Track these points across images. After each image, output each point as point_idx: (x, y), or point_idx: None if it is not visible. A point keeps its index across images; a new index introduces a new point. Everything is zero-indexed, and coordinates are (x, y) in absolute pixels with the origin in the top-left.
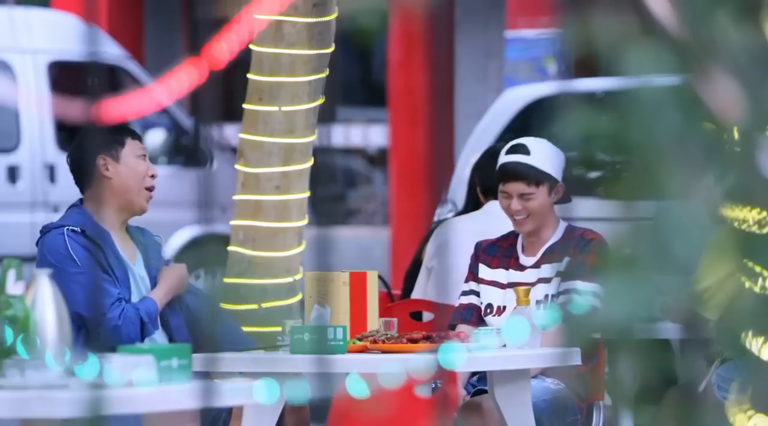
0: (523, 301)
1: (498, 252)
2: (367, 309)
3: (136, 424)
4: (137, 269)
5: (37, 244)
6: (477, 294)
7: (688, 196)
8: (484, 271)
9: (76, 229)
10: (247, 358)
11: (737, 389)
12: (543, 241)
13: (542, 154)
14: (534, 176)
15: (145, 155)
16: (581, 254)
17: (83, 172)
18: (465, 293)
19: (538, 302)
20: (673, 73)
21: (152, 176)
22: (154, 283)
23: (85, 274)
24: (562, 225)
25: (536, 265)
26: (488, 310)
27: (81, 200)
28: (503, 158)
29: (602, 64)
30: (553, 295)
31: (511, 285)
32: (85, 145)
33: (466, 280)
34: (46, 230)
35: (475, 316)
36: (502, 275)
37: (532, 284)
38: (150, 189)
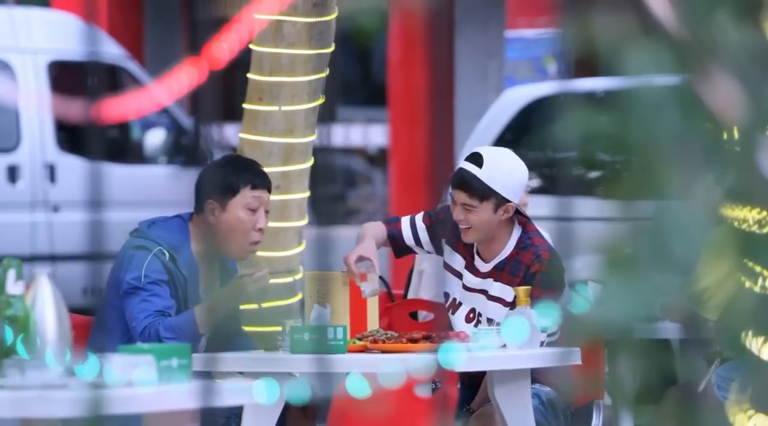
0: (524, 301)
1: (461, 238)
2: (367, 309)
3: (136, 424)
4: None
5: (131, 234)
6: (419, 242)
7: (688, 196)
8: (447, 250)
9: (166, 255)
10: (247, 358)
11: (737, 389)
12: (496, 250)
13: (495, 169)
14: (478, 189)
15: (257, 208)
16: (526, 285)
17: (198, 200)
18: (413, 226)
19: (490, 321)
20: (673, 73)
21: (259, 230)
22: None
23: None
24: (515, 235)
25: (488, 276)
26: (446, 298)
27: (191, 215)
28: (461, 163)
29: (602, 64)
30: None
31: (466, 288)
32: (205, 178)
33: (424, 219)
34: (144, 236)
35: (399, 244)
36: (459, 265)
37: (486, 294)
38: (255, 243)
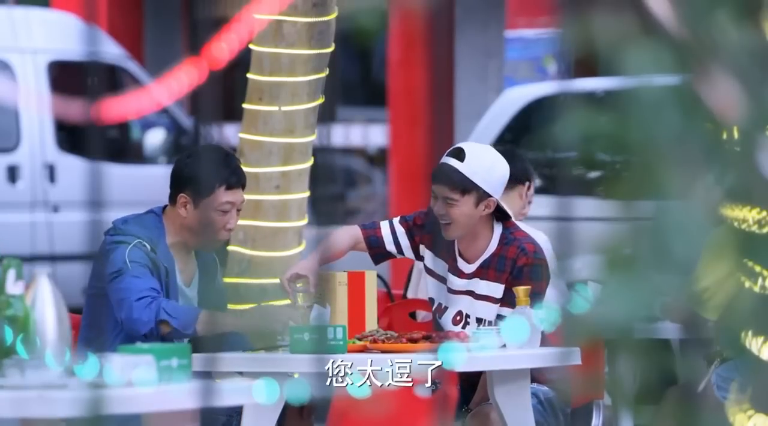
0: (523, 301)
1: (442, 241)
2: (366, 309)
3: (136, 424)
4: (190, 291)
5: (107, 233)
6: (399, 248)
7: (688, 196)
8: (428, 256)
9: (147, 247)
10: (247, 358)
11: (737, 389)
12: (479, 249)
13: (477, 163)
14: (459, 183)
15: (228, 211)
16: (516, 281)
17: (172, 191)
18: (392, 231)
19: (479, 320)
20: (673, 73)
21: (228, 230)
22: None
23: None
24: (497, 232)
25: (473, 276)
26: (431, 303)
27: (164, 207)
28: (443, 158)
29: (602, 64)
30: (498, 317)
31: (451, 291)
32: (181, 170)
33: (401, 223)
34: (120, 233)
35: (379, 251)
36: (442, 269)
37: (471, 295)
38: (222, 240)
